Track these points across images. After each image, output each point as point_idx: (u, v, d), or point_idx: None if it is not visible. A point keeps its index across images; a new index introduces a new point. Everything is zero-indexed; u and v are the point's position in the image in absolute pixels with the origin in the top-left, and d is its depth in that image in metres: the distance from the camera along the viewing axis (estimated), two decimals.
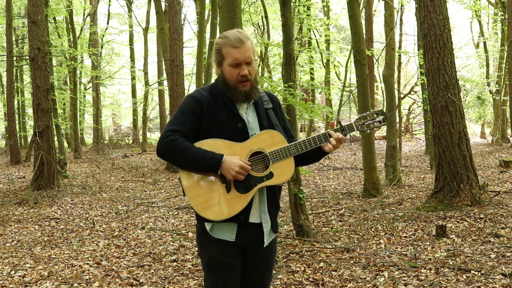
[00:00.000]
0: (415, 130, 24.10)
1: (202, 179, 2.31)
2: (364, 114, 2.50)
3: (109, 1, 25.13)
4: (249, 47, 2.32)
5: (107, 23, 25.20)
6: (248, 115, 2.41)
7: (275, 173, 2.32)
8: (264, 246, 2.41)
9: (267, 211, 2.39)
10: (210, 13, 15.14)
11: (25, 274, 4.87)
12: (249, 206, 2.32)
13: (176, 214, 7.87)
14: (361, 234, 5.93)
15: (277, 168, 2.32)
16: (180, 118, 2.32)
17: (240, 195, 2.28)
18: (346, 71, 21.45)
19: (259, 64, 19.21)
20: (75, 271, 4.92)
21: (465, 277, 4.14)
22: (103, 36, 25.15)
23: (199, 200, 2.29)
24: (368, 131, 2.51)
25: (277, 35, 23.93)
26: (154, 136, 30.89)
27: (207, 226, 2.34)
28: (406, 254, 4.93)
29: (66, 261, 5.31)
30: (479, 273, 4.18)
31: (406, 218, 6.47)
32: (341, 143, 2.41)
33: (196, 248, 5.63)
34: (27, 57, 13.51)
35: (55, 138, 11.92)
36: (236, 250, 2.36)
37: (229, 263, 2.36)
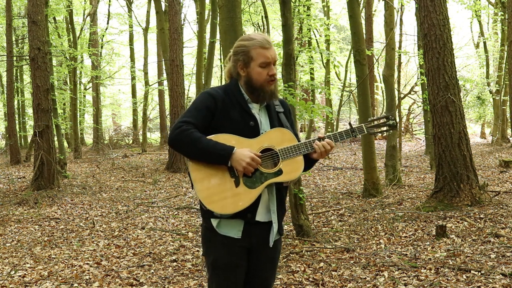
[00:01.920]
0: (415, 130, 24.10)
1: (211, 172, 2.30)
2: (374, 117, 2.53)
3: (109, 1, 25.14)
4: (274, 47, 2.41)
5: (107, 23, 25.21)
6: (261, 116, 2.43)
7: (284, 170, 2.32)
8: (270, 246, 2.40)
9: (276, 212, 2.39)
10: (210, 13, 15.15)
11: (25, 274, 4.87)
12: (256, 204, 2.32)
13: (176, 214, 7.87)
14: (361, 234, 5.93)
15: (287, 166, 2.33)
16: (193, 111, 2.34)
17: (248, 190, 2.28)
18: (346, 71, 21.47)
19: None
20: (75, 271, 4.92)
21: (465, 277, 4.14)
22: (103, 36, 25.15)
23: (207, 193, 2.28)
24: (379, 134, 2.54)
25: (277, 35, 23.92)
26: (154, 136, 30.89)
27: (214, 222, 2.34)
28: (406, 254, 4.93)
29: (66, 261, 5.31)
30: (479, 273, 4.18)
31: (406, 218, 6.47)
32: (332, 149, 2.42)
33: (196, 248, 5.63)
34: (27, 57, 13.51)
35: (55, 138, 11.91)
36: (241, 249, 2.36)
37: (234, 264, 2.36)
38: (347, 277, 4.37)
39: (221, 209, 2.27)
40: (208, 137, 2.30)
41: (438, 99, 6.91)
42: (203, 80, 13.97)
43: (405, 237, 5.65)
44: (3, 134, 27.10)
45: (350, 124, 2.49)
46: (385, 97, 11.35)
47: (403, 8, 15.20)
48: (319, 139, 2.39)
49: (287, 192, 2.50)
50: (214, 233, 2.35)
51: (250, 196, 2.28)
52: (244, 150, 2.27)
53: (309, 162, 2.47)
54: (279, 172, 2.32)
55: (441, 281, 4.08)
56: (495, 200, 6.98)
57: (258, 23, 20.23)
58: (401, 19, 14.86)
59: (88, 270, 4.95)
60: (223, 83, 2.70)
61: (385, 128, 2.51)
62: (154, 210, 8.32)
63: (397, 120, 12.10)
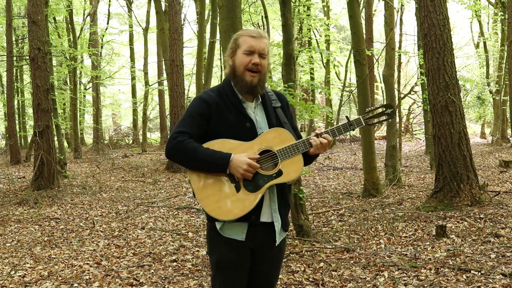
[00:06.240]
0: (415, 130, 24.10)
1: (211, 179, 2.31)
2: (372, 108, 2.50)
3: (109, 1, 25.14)
4: (265, 42, 2.40)
5: (107, 23, 25.22)
6: (257, 114, 2.42)
7: (284, 171, 2.32)
8: (276, 245, 2.41)
9: (278, 210, 2.39)
10: (210, 13, 15.15)
11: (25, 274, 4.87)
12: (259, 205, 2.32)
13: (176, 214, 7.87)
14: (361, 234, 5.93)
15: (286, 166, 2.33)
16: (188, 120, 2.34)
17: (250, 194, 2.28)
18: (346, 71, 21.48)
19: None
20: (75, 271, 4.92)
21: (465, 277, 4.14)
22: (103, 36, 25.15)
23: (209, 201, 2.30)
24: (377, 124, 2.51)
25: (277, 35, 23.92)
26: (154, 136, 30.90)
27: (218, 225, 2.35)
28: (406, 254, 4.93)
29: (66, 261, 5.31)
30: (479, 273, 4.18)
31: (406, 218, 6.46)
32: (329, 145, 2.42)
33: (196, 248, 5.64)
34: (27, 57, 13.50)
35: (55, 138, 11.91)
36: (245, 250, 2.37)
37: (238, 263, 2.37)
38: (347, 277, 4.37)
39: (224, 215, 2.29)
40: (205, 144, 2.30)
41: (438, 99, 6.91)
42: (203, 80, 13.97)
43: (405, 237, 5.65)
44: (3, 134, 27.09)
45: (347, 117, 2.48)
46: (385, 97, 11.35)
47: (403, 8, 15.20)
48: (317, 135, 2.39)
49: (291, 189, 2.49)
50: (218, 234, 2.36)
51: (251, 200, 2.28)
52: (241, 156, 2.26)
53: (309, 158, 2.47)
54: (279, 173, 2.32)
55: (441, 281, 4.08)
56: (495, 200, 6.98)
57: (258, 23, 20.22)
58: (401, 19, 14.86)
59: (88, 270, 4.95)
60: None
61: (384, 118, 2.49)
62: (154, 210, 8.32)
63: (397, 120, 12.15)
